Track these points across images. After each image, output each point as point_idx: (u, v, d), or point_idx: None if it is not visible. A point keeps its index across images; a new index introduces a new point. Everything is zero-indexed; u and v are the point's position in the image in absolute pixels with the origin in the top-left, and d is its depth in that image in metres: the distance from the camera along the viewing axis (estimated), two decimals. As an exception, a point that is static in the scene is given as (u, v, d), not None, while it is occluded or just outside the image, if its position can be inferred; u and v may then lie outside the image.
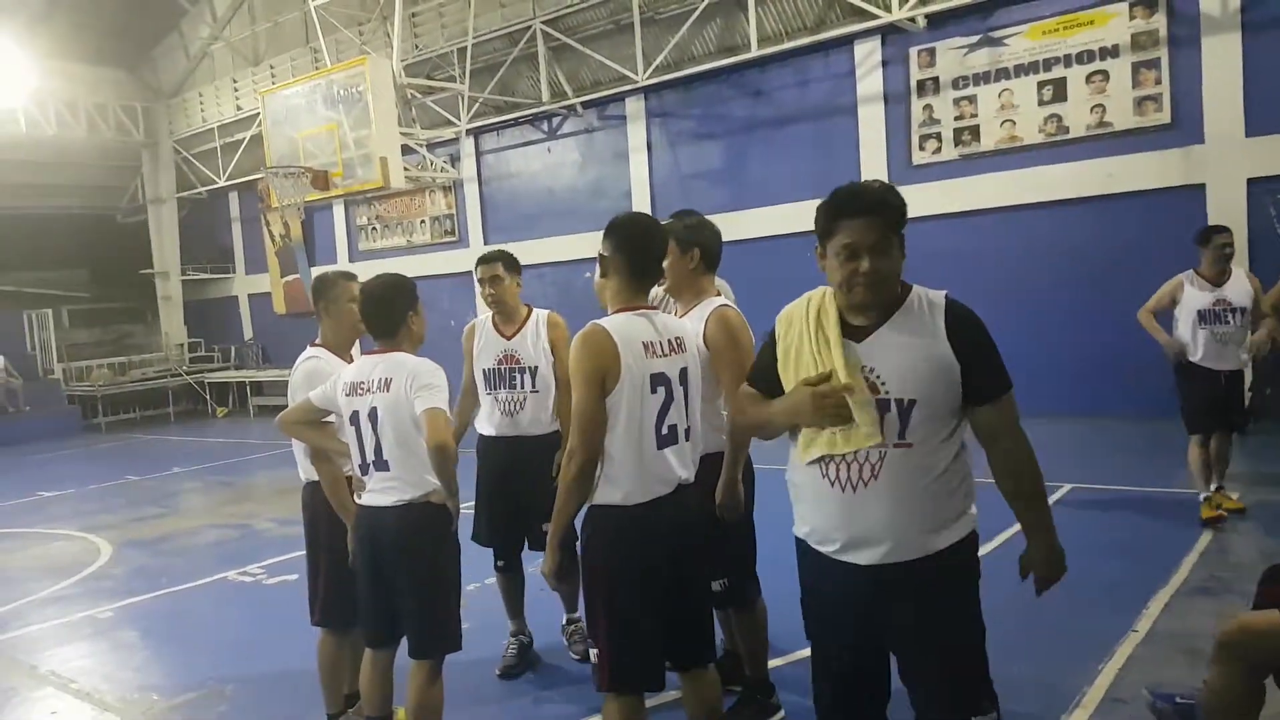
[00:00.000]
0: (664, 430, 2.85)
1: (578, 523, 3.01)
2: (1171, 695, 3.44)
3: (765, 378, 2.52)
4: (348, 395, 3.35)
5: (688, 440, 2.94)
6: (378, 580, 3.38)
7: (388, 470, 3.30)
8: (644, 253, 2.97)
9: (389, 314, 3.39)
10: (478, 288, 4.56)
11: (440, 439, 3.16)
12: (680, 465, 2.91)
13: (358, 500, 3.43)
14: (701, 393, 3.11)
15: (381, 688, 3.49)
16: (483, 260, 4.51)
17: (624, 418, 2.78)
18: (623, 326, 2.84)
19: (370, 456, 3.32)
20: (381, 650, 3.49)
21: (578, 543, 3.01)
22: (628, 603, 2.84)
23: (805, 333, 2.39)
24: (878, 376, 2.28)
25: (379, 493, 3.34)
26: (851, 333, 2.34)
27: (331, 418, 3.49)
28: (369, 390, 3.30)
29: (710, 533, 3.16)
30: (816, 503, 2.39)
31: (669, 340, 2.92)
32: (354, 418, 3.33)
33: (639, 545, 2.83)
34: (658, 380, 2.83)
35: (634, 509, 2.82)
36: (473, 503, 4.62)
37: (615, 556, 2.85)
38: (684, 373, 2.92)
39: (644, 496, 2.82)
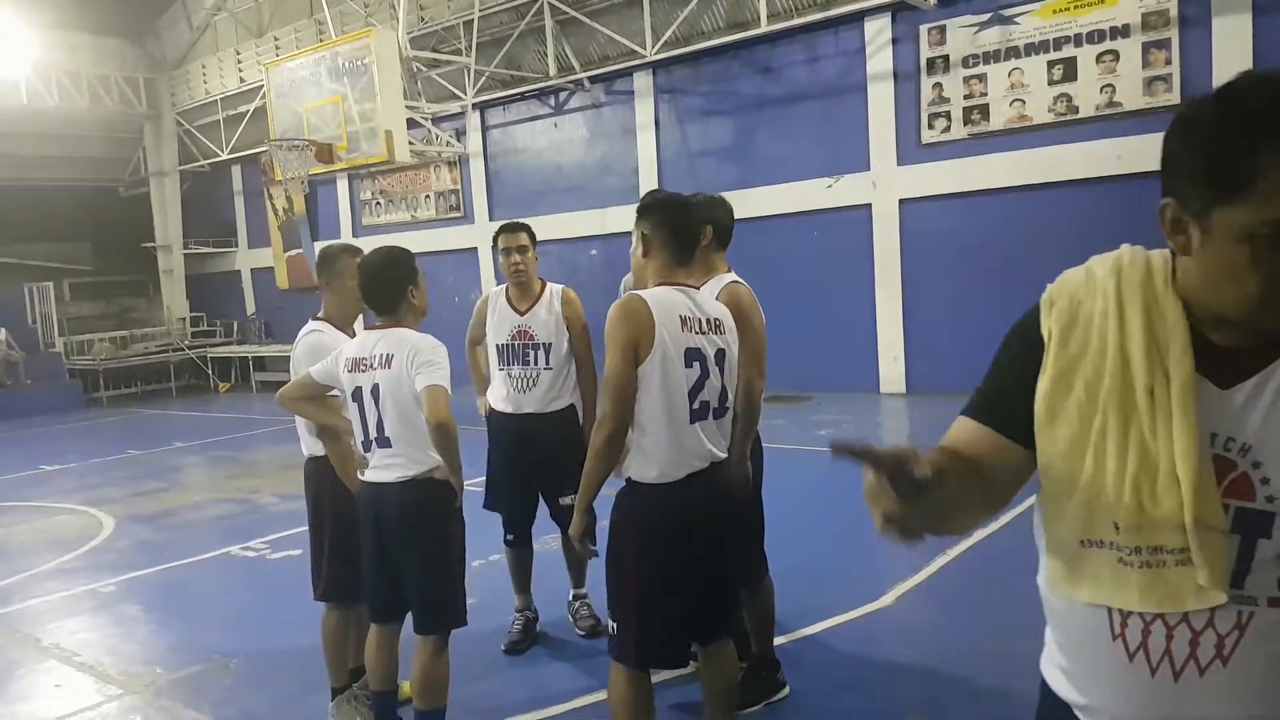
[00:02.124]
0: (695, 405, 2.86)
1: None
2: None
3: (1001, 404, 1.33)
4: (349, 371, 3.32)
5: (718, 419, 2.96)
6: (382, 556, 3.36)
7: (390, 447, 3.28)
8: (684, 229, 2.99)
9: (388, 289, 3.35)
10: (499, 258, 4.47)
11: (441, 417, 3.13)
12: (712, 441, 2.92)
13: (361, 477, 3.41)
14: None
15: (387, 662, 3.49)
16: (507, 229, 4.45)
17: (656, 387, 2.78)
18: (661, 298, 2.86)
19: (373, 433, 3.30)
20: (387, 626, 3.47)
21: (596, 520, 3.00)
22: (659, 579, 2.85)
23: (1111, 349, 1.22)
24: (1255, 464, 1.15)
25: (381, 469, 3.31)
26: (1210, 363, 1.18)
27: (334, 393, 3.46)
28: (370, 367, 3.27)
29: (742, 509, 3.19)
30: (1100, 672, 1.28)
31: (708, 320, 2.92)
32: (356, 394, 3.30)
33: (674, 523, 2.84)
34: (693, 355, 2.84)
35: (669, 486, 2.82)
36: (482, 477, 4.61)
37: (649, 533, 2.85)
38: (721, 354, 2.92)
39: (678, 472, 2.83)
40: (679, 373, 2.80)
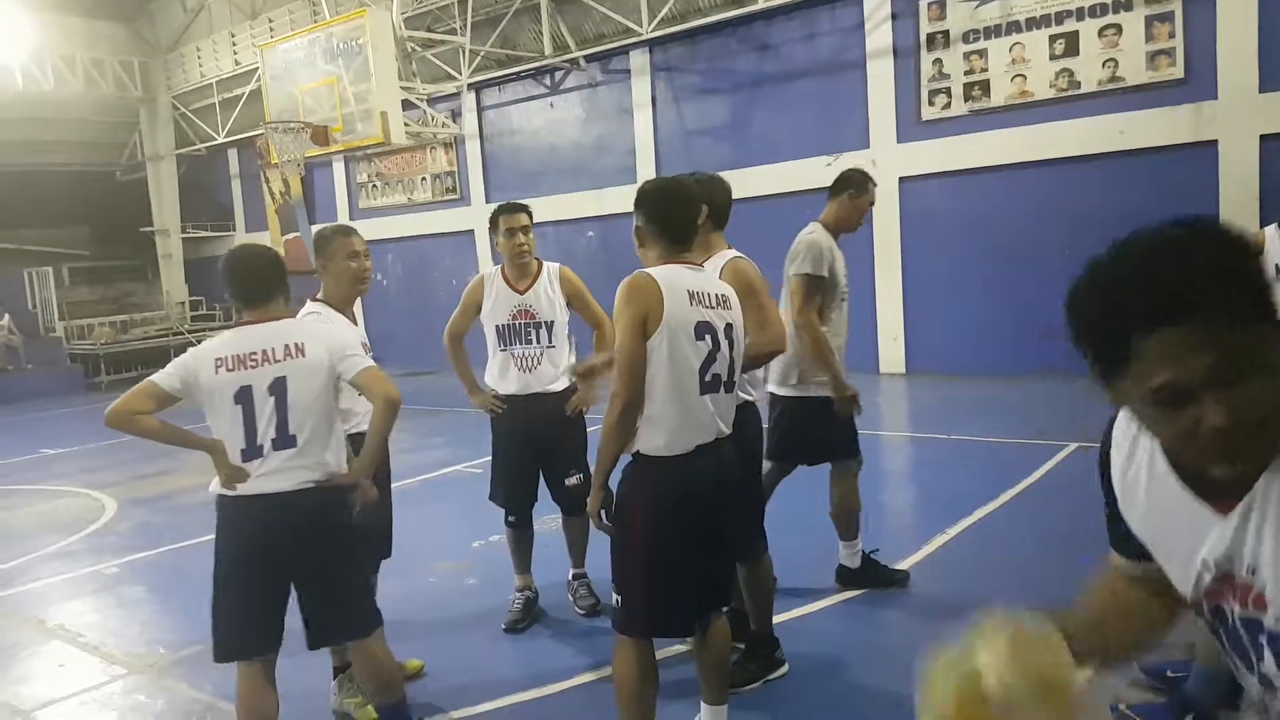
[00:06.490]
0: (707, 378, 2.88)
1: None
2: (1162, 667, 3.36)
3: (1119, 541, 1.43)
4: (230, 370, 2.98)
5: (727, 393, 2.98)
6: (271, 577, 3.09)
7: (294, 447, 2.99)
8: (671, 216, 2.99)
9: (264, 281, 3.28)
10: (497, 239, 4.43)
11: (391, 394, 3.06)
12: (720, 415, 2.94)
13: (236, 490, 3.01)
14: None
15: (272, 700, 3.24)
16: (509, 210, 4.42)
17: (666, 360, 2.80)
18: (668, 273, 2.88)
19: (269, 434, 2.98)
20: (267, 659, 3.22)
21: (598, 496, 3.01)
22: (667, 550, 2.86)
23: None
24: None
25: (278, 475, 2.98)
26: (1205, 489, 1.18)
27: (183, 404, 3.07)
28: (270, 360, 3.00)
29: (748, 486, 3.20)
30: None
31: (714, 295, 2.95)
32: (241, 394, 2.97)
33: (682, 494, 2.86)
34: (704, 329, 2.86)
35: (677, 459, 2.84)
36: (481, 459, 4.59)
37: (658, 505, 2.86)
38: (729, 328, 2.96)
39: (687, 444, 2.85)
40: (691, 346, 2.83)
